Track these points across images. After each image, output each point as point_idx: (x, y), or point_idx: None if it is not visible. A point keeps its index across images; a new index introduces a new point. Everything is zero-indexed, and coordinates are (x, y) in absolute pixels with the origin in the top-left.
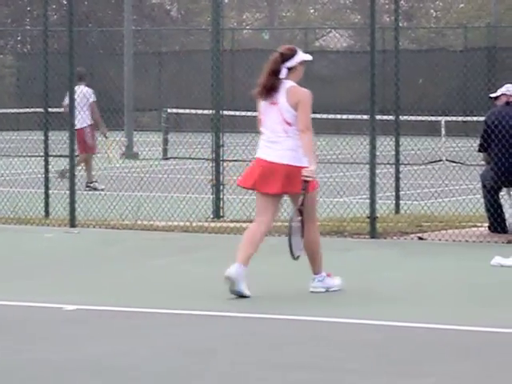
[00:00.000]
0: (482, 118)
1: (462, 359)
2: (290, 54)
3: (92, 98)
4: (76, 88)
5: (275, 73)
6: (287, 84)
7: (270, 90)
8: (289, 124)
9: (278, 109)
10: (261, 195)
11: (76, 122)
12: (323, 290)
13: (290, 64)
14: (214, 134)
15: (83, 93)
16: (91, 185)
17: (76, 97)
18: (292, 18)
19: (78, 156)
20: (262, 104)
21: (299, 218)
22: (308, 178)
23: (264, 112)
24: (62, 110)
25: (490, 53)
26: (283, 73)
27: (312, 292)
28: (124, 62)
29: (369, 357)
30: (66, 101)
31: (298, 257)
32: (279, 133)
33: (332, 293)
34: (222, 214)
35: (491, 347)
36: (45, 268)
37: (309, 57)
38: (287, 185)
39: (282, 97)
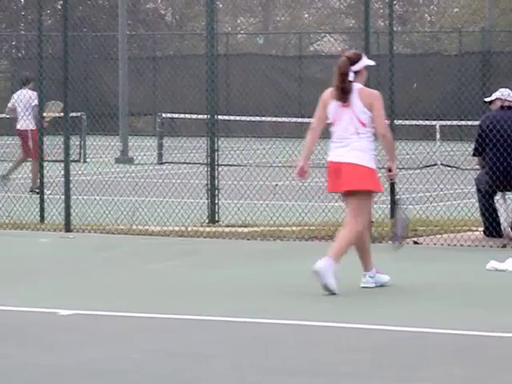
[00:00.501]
0: (476, 123)
1: (457, 363)
2: (356, 59)
3: (36, 101)
4: (21, 91)
5: (346, 75)
6: (357, 86)
7: (345, 91)
8: (363, 125)
9: (351, 110)
10: (342, 196)
11: (19, 125)
12: (373, 285)
13: (356, 68)
14: (209, 139)
15: (29, 96)
16: (36, 190)
17: (20, 100)
18: (286, 23)
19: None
20: (332, 106)
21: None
22: (393, 181)
23: (335, 114)
24: (6, 115)
25: (485, 57)
26: (351, 76)
27: (363, 287)
28: (119, 66)
29: (364, 361)
30: (9, 104)
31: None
32: (351, 134)
33: (327, 297)
34: (217, 219)
35: (487, 351)
36: (40, 273)
37: (372, 62)
38: (354, 183)
39: (355, 98)
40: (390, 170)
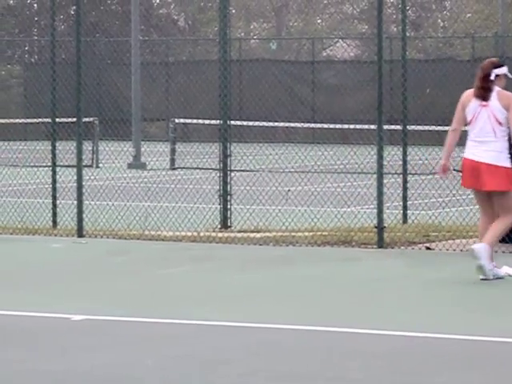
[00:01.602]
0: None
1: (469, 369)
2: (499, 64)
3: None
4: None
5: (488, 76)
6: (496, 88)
7: (487, 89)
8: (500, 124)
9: (489, 110)
10: (475, 193)
11: None
12: (492, 277)
13: (498, 71)
14: (222, 144)
15: None
16: None
17: None
18: (299, 28)
19: None
20: (472, 106)
21: None
22: None
23: (473, 113)
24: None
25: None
26: (493, 77)
27: (481, 279)
28: (131, 71)
29: (376, 366)
30: None
31: None
32: (488, 133)
33: (341, 302)
34: (229, 224)
35: (501, 357)
36: (52, 278)
37: (510, 75)
38: (492, 183)
39: (493, 99)
40: None
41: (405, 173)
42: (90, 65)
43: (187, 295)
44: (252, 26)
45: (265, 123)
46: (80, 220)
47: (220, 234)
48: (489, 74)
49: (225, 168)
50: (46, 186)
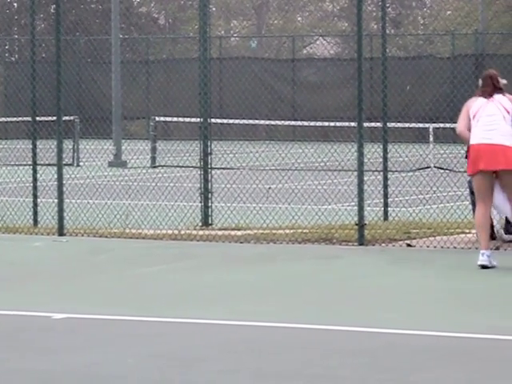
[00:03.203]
0: None
1: (453, 366)
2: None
3: None
4: None
5: (497, 80)
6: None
7: (497, 89)
8: (508, 112)
9: (496, 102)
10: (482, 177)
11: None
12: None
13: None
14: (202, 142)
15: None
16: None
17: None
18: (279, 26)
19: None
20: (476, 104)
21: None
22: None
23: (478, 108)
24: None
25: (478, 60)
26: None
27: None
28: (112, 70)
29: (360, 364)
30: None
31: None
32: (499, 120)
33: (322, 300)
34: (210, 222)
35: (483, 353)
36: (33, 277)
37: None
38: (507, 162)
39: (499, 96)
40: None
41: (385, 170)
42: (70, 63)
43: (168, 293)
44: (232, 24)
45: (245, 121)
46: (61, 218)
47: (201, 232)
48: (497, 80)
49: (205, 166)
50: (27, 185)
